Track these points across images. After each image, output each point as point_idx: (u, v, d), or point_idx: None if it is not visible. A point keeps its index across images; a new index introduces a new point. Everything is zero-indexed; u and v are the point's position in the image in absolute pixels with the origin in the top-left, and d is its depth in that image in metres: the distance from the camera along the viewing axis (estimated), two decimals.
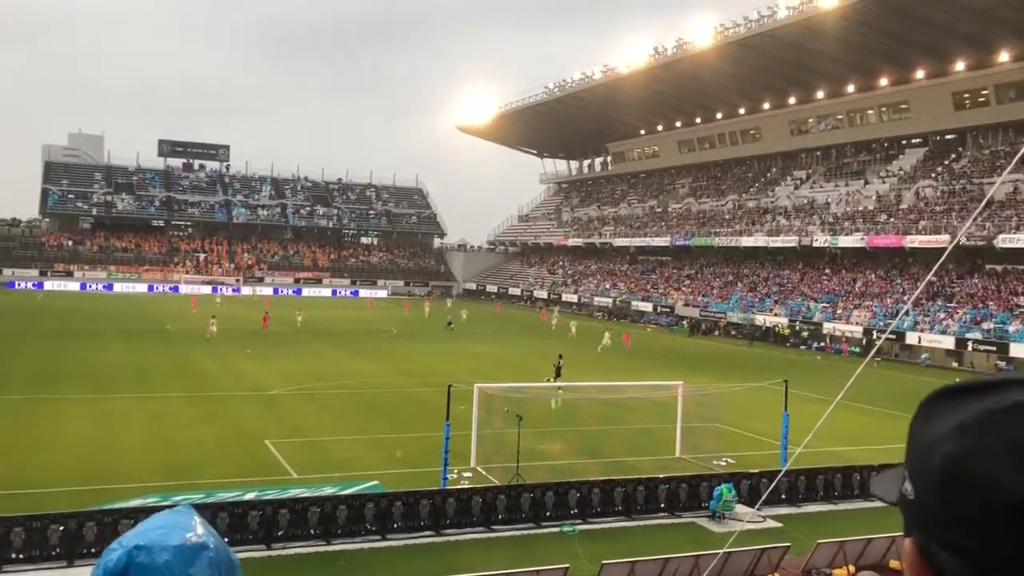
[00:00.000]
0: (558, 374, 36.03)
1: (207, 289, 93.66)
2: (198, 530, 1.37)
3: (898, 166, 72.62)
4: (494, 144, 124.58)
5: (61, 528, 15.51)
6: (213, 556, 1.34)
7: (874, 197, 70.19)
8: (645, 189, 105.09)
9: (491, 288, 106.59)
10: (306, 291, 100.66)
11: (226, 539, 1.59)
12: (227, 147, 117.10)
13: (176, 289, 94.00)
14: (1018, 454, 0.87)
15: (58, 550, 15.43)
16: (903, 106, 72.09)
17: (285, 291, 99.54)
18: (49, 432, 24.79)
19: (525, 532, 18.45)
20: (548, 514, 19.01)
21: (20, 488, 19.23)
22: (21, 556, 15.21)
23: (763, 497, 17.90)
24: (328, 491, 19.34)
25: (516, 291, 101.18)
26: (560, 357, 37.77)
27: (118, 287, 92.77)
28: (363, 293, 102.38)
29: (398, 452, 24.06)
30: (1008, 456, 0.88)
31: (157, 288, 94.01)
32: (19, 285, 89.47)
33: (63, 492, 18.99)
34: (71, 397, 30.10)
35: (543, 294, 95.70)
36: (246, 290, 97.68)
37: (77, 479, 20.17)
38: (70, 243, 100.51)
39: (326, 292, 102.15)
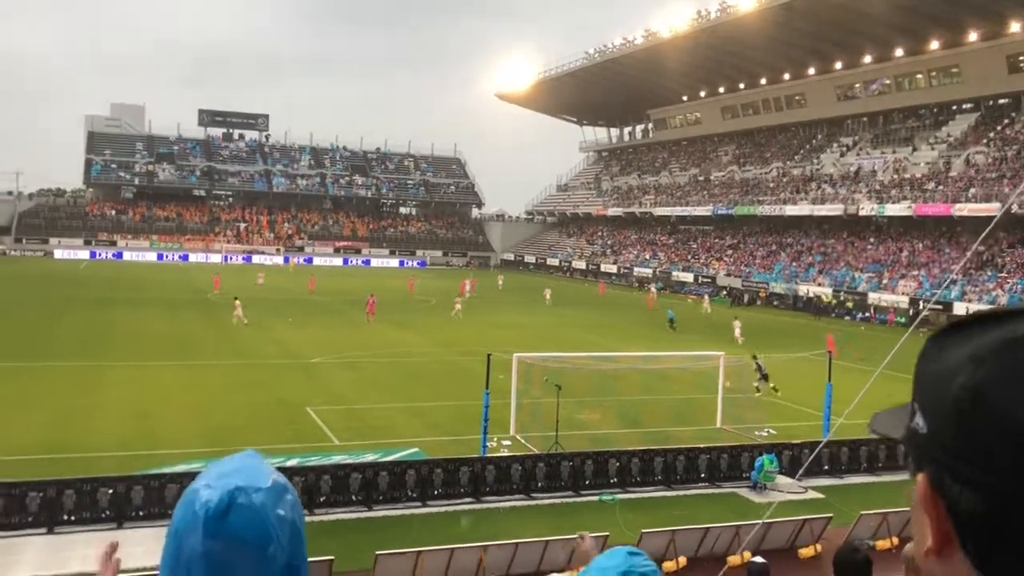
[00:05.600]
0: (764, 377, 29.31)
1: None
2: (276, 473, 1.39)
3: (947, 132, 70.79)
4: (533, 112, 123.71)
5: (110, 491, 15.85)
6: (292, 499, 1.37)
7: (922, 164, 68.58)
8: (687, 157, 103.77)
9: (529, 258, 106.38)
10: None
11: None
12: (266, 116, 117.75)
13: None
14: None
15: (108, 512, 15.78)
16: (954, 70, 70.05)
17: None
18: (96, 398, 25.30)
19: (564, 500, 18.47)
20: (587, 483, 19.01)
21: (70, 452, 19.67)
22: (72, 518, 15.59)
23: (803, 467, 17.72)
24: (370, 458, 19.50)
25: (554, 261, 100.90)
26: (755, 358, 29.98)
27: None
28: (408, 263, 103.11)
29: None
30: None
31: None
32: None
33: (111, 456, 19.39)
34: (116, 364, 30.67)
35: (581, 264, 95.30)
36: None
37: (124, 444, 20.58)
38: (113, 213, 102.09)
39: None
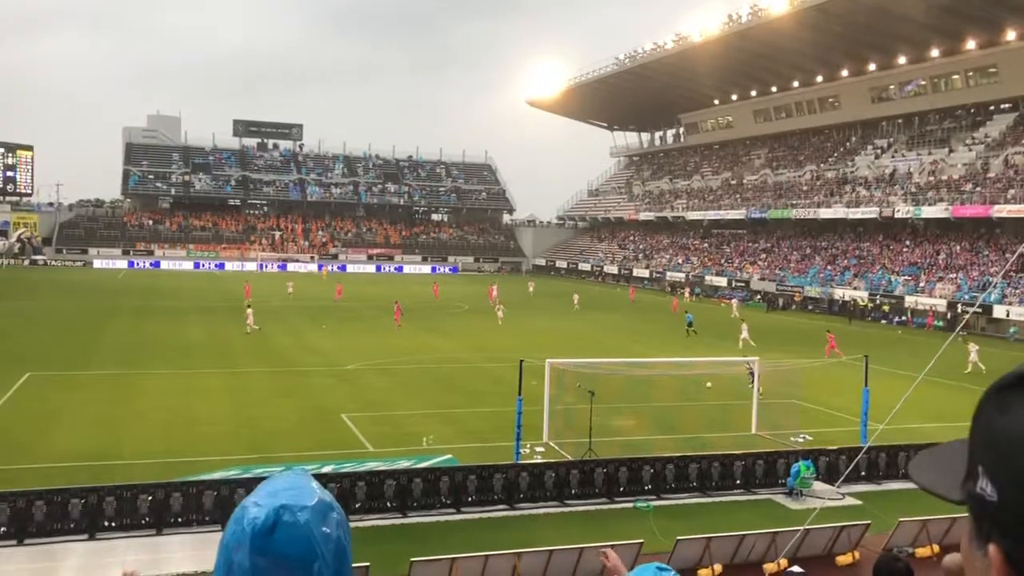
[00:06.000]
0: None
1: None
2: (322, 491, 1.43)
3: (985, 133, 69.68)
4: (564, 118, 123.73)
5: (150, 498, 16.07)
6: (337, 517, 1.41)
7: (959, 165, 67.56)
8: (719, 161, 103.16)
9: (560, 264, 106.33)
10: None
11: None
12: (300, 126, 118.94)
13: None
14: None
15: (147, 519, 16.01)
16: (991, 70, 68.96)
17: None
18: (136, 406, 25.66)
19: (598, 507, 18.42)
20: (622, 489, 18.93)
21: (110, 459, 19.97)
22: (113, 524, 15.83)
23: (844, 475, 17.51)
24: (403, 464, 19.60)
25: (586, 266, 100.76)
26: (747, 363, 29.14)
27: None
28: (440, 269, 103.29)
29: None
30: None
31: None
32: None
33: (150, 463, 19.66)
34: (155, 372, 31.12)
35: (613, 269, 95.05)
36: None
37: (163, 451, 20.85)
38: (150, 223, 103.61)
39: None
